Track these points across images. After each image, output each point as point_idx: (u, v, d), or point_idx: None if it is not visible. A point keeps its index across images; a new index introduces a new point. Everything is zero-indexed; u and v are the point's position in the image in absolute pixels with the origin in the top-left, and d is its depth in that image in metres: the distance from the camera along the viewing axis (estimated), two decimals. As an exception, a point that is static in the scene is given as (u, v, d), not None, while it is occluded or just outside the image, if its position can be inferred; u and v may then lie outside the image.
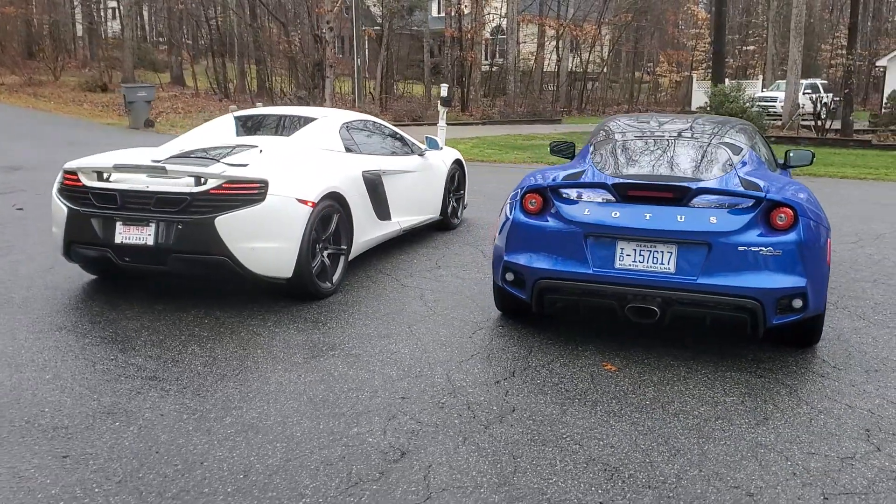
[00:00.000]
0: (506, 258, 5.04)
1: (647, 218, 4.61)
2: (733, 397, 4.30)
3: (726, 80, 30.50)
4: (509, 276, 5.06)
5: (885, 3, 54.91)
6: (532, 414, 4.04)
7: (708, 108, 26.41)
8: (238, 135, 6.88)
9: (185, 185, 5.39)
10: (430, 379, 4.47)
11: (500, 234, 5.24)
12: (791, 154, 6.70)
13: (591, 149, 5.73)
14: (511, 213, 5.10)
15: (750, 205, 4.61)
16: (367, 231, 6.60)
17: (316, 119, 6.94)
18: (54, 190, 5.86)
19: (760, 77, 42.98)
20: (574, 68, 39.28)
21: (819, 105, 24.27)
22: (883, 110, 32.30)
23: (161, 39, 53.70)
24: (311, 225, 5.63)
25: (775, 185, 4.88)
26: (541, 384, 4.42)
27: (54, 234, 5.89)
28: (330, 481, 3.35)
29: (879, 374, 4.67)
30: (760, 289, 4.49)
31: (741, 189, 4.69)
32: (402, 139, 7.82)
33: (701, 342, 5.12)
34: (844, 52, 27.75)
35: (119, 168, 5.52)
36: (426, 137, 8.12)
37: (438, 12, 36.81)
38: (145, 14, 53.22)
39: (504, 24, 35.60)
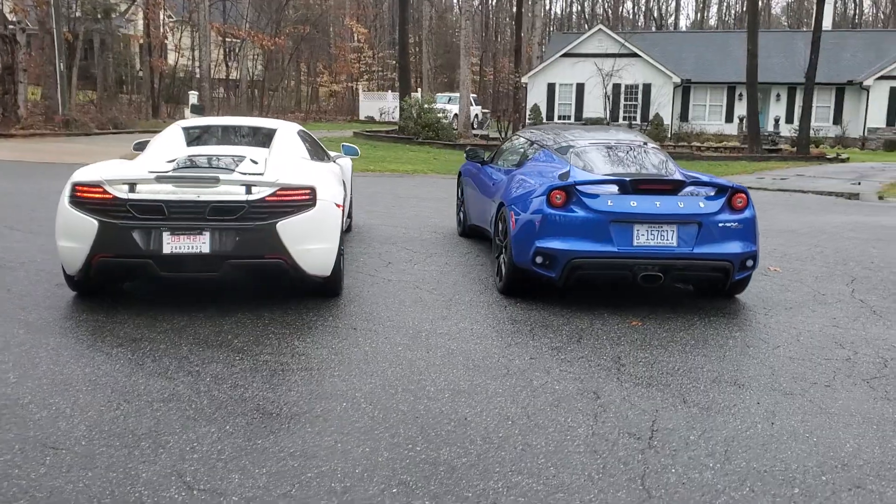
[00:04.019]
0: (538, 244, 6.10)
1: (658, 205, 6.01)
2: (740, 332, 5.87)
3: (412, 93, 33.09)
4: (539, 259, 6.14)
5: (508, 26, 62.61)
6: (637, 359, 5.21)
7: (404, 117, 28.65)
8: (189, 145, 7.01)
9: (235, 194, 5.65)
10: (530, 345, 5.43)
11: (519, 228, 6.28)
12: None
13: (557, 154, 6.97)
14: (537, 208, 6.16)
15: (716, 192, 6.23)
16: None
17: (276, 129, 7.30)
18: (65, 204, 5.68)
19: (419, 90, 46.90)
20: (253, 77, 39.60)
21: (509, 118, 27.61)
22: (528, 120, 37.41)
23: None
24: (341, 227, 6.17)
25: (715, 178, 6.58)
26: (612, 339, 5.60)
27: (67, 248, 5.69)
28: (575, 416, 4.25)
29: (794, 310, 6.55)
30: (732, 253, 6.13)
31: (716, 181, 6.30)
32: (321, 147, 8.35)
33: (662, 303, 6.65)
34: (499, 70, 31.69)
35: (162, 179, 5.59)
36: (343, 145, 8.71)
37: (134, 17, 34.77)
38: None
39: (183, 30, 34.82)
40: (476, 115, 41.49)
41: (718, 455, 3.85)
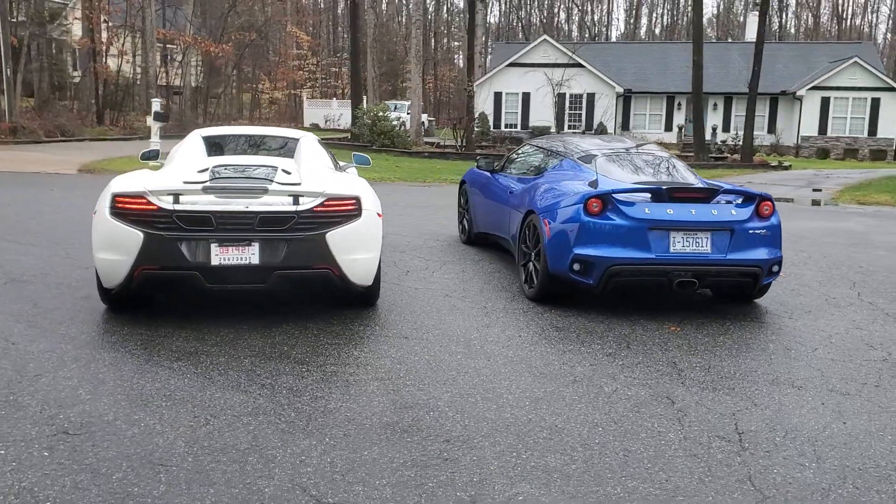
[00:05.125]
0: (576, 251, 6.20)
1: (693, 213, 6.17)
2: (775, 335, 6.06)
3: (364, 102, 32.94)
4: (577, 267, 6.23)
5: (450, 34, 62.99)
6: (692, 364, 5.33)
7: (359, 125, 28.52)
8: (210, 155, 6.89)
9: (283, 204, 5.60)
10: (583, 351, 5.51)
11: (554, 236, 6.37)
12: None
13: (581, 163, 7.09)
14: (573, 216, 6.26)
15: (744, 200, 6.43)
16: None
17: (298, 139, 7.25)
18: (106, 215, 5.54)
19: (365, 98, 46.74)
20: (198, 84, 38.93)
21: (465, 126, 27.69)
22: (476, 129, 37.60)
23: None
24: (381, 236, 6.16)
25: (737, 186, 6.78)
26: (659, 345, 5.72)
27: (107, 261, 5.54)
28: (660, 421, 4.35)
29: (814, 314, 6.79)
30: (762, 259, 6.33)
31: (741, 189, 6.50)
32: (333, 156, 8.29)
33: (689, 309, 6.83)
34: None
35: (208, 190, 5.50)
36: (354, 154, 8.65)
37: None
38: None
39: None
40: (423, 123, 41.59)
41: (810, 455, 3.99)
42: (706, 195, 6.31)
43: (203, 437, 3.93)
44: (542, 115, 39.50)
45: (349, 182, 6.16)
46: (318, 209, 5.64)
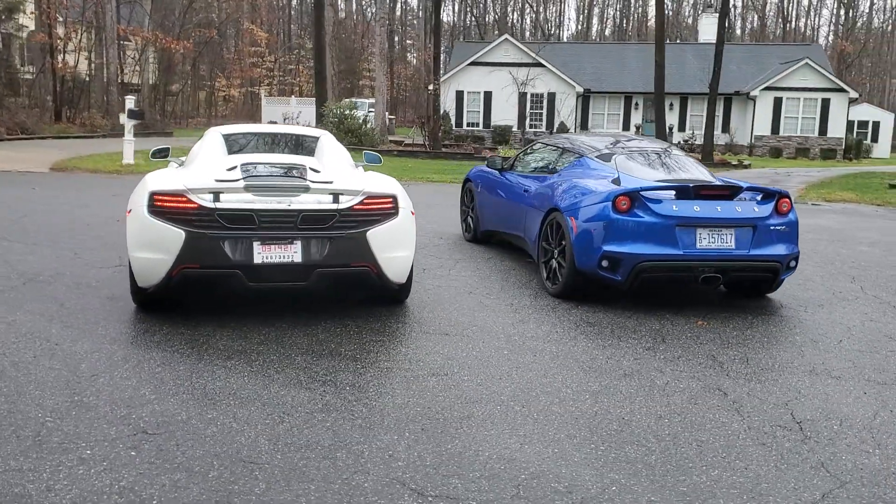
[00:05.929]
0: (605, 248, 6.30)
1: (719, 210, 6.33)
2: (798, 328, 6.25)
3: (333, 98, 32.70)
4: (605, 263, 6.34)
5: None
6: (731, 357, 5.47)
7: (325, 123, 28.31)
8: (231, 153, 6.84)
9: (323, 203, 5.60)
10: (622, 346, 5.62)
11: (581, 233, 6.47)
12: None
13: (600, 162, 7.20)
14: (602, 213, 6.36)
15: (763, 197, 6.61)
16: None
17: (318, 136, 7.23)
18: (144, 213, 5.47)
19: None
20: (157, 82, 38.29)
21: (434, 125, 27.62)
22: (442, 128, 37.66)
23: None
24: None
25: (754, 183, 6.97)
26: (693, 339, 5.85)
27: (146, 260, 5.48)
28: (720, 412, 4.47)
29: (827, 307, 7.00)
30: (782, 255, 6.52)
31: (760, 186, 6.68)
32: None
33: (709, 303, 6.99)
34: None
35: (250, 188, 5.48)
36: (365, 153, 8.62)
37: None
38: None
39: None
40: (386, 122, 41.49)
41: (870, 441, 4.14)
42: (730, 192, 6.47)
43: (284, 434, 3.92)
44: (505, 114, 39.77)
45: (383, 180, 6.19)
46: (358, 207, 5.65)
